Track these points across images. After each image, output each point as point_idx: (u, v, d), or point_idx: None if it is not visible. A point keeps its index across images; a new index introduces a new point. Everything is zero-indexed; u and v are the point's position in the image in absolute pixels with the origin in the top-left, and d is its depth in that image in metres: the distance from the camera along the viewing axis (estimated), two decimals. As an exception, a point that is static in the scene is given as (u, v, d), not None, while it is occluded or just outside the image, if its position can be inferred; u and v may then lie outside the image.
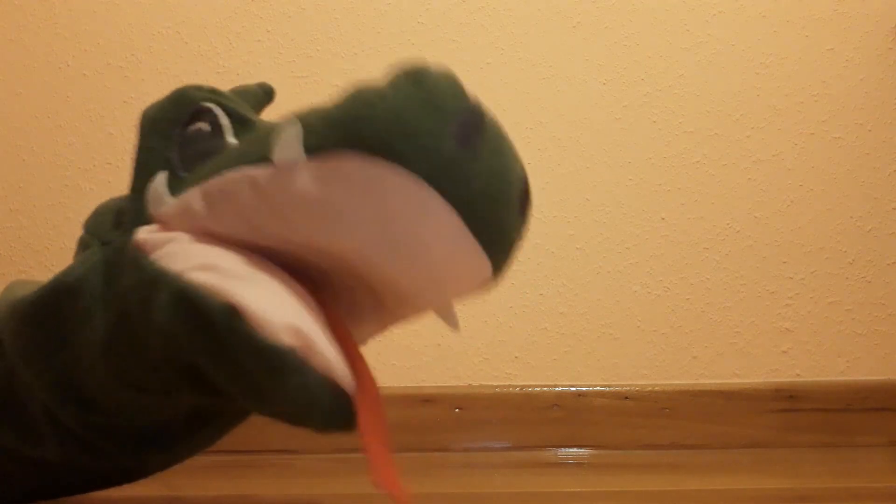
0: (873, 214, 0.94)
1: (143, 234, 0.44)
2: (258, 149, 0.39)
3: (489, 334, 0.94)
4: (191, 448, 0.56)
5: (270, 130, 0.40)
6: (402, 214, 0.36)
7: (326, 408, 0.36)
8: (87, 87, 0.97)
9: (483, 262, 0.38)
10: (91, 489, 0.59)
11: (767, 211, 0.94)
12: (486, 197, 0.37)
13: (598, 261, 0.94)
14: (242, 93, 0.54)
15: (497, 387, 0.92)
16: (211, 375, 0.38)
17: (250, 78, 0.95)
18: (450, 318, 0.43)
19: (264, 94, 0.56)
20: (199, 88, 0.49)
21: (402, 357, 0.93)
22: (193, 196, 0.42)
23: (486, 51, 0.96)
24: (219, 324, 0.36)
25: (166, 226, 0.44)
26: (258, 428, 0.91)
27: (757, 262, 0.94)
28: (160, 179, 0.46)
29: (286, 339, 0.35)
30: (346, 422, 0.37)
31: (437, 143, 0.35)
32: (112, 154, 0.96)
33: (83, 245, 0.51)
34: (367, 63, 0.96)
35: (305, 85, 0.96)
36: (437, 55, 0.96)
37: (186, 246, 0.41)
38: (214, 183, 0.41)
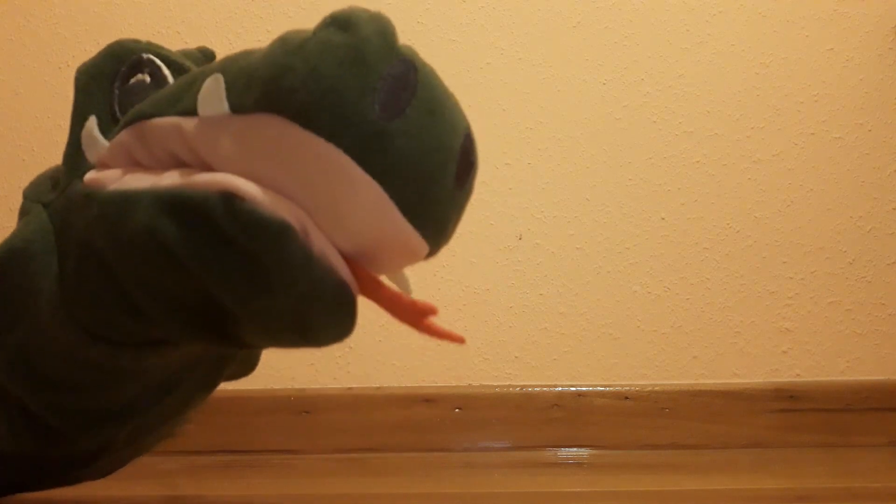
0: (873, 214, 0.94)
1: (92, 174, 0.43)
2: (188, 97, 0.38)
3: (489, 334, 0.94)
4: (157, 421, 0.53)
5: (199, 76, 0.38)
6: (322, 184, 0.34)
7: (330, 295, 0.35)
8: (87, 87, 0.97)
9: (414, 238, 0.36)
10: (48, 484, 0.56)
11: (767, 211, 0.94)
12: (415, 169, 0.34)
13: (598, 261, 0.94)
14: (184, 56, 0.53)
15: (497, 387, 0.92)
16: (205, 277, 0.36)
17: (250, 78, 0.96)
18: (400, 281, 0.41)
19: (205, 59, 0.54)
20: (135, 41, 0.47)
21: (402, 357, 0.93)
22: (127, 136, 0.41)
23: (486, 51, 0.96)
24: (216, 210, 0.34)
25: (105, 167, 0.43)
26: (258, 428, 0.91)
27: (757, 262, 0.94)
28: (90, 124, 0.44)
29: (286, 214, 0.34)
30: (348, 318, 0.36)
31: (359, 111, 0.33)
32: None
33: (23, 211, 0.49)
34: (367, 63, 0.96)
35: (305, 85, 0.96)
36: (437, 55, 0.95)
37: (144, 173, 0.40)
38: (147, 125, 0.40)
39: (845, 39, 0.95)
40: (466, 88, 0.96)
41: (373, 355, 0.93)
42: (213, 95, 0.36)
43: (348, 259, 0.36)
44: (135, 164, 0.41)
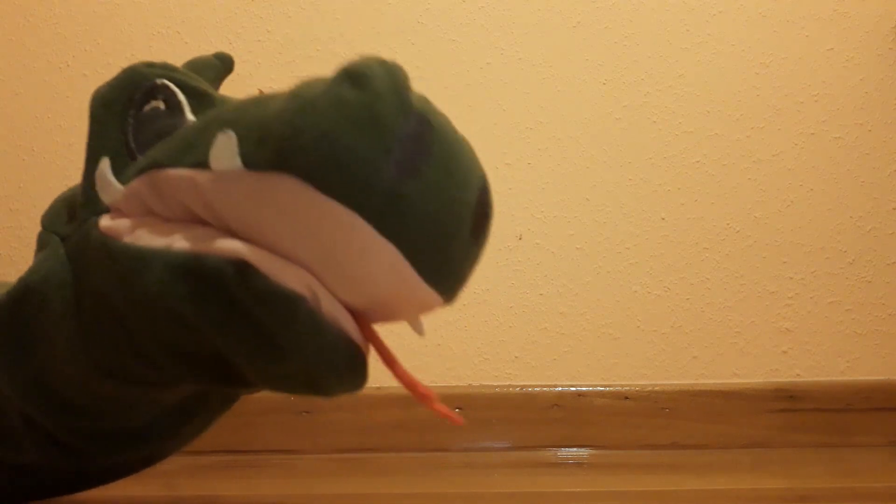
0: (873, 214, 0.94)
1: (106, 221, 0.43)
2: (201, 148, 0.38)
3: (489, 334, 0.94)
4: (174, 444, 0.54)
5: (213, 125, 0.38)
6: (338, 247, 0.33)
7: (341, 358, 0.35)
8: (87, 87, 0.97)
9: (430, 295, 0.36)
10: (77, 490, 0.58)
11: (767, 211, 0.94)
12: (431, 229, 0.34)
13: (598, 261, 0.94)
14: (200, 65, 0.52)
15: (497, 387, 0.92)
16: (217, 341, 0.37)
17: (250, 78, 0.95)
18: (415, 325, 0.41)
19: (222, 65, 0.54)
20: (150, 65, 0.47)
21: (402, 357, 0.93)
22: (141, 184, 0.41)
23: (486, 51, 0.96)
24: (228, 280, 0.34)
25: (120, 213, 0.43)
26: (258, 428, 0.91)
27: (757, 262, 0.94)
28: (104, 166, 0.44)
29: (297, 285, 0.34)
30: (360, 375, 0.36)
31: (373, 174, 0.32)
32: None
33: (41, 242, 0.49)
34: (367, 63, 0.96)
35: (305, 85, 0.96)
36: (437, 55, 0.96)
37: (160, 226, 0.40)
38: (160, 175, 0.40)
39: (845, 39, 0.95)
40: (466, 88, 0.96)
41: (373, 355, 0.93)
42: (225, 151, 0.35)
43: (359, 316, 0.37)
44: (149, 213, 0.41)
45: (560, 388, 0.91)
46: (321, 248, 0.34)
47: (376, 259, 0.34)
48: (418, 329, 0.41)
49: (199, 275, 0.36)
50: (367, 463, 0.84)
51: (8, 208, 0.97)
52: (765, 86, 0.95)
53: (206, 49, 0.97)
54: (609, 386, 0.91)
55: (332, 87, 0.33)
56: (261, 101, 0.37)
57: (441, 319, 0.94)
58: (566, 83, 0.96)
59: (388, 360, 0.38)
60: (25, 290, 0.47)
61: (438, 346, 0.93)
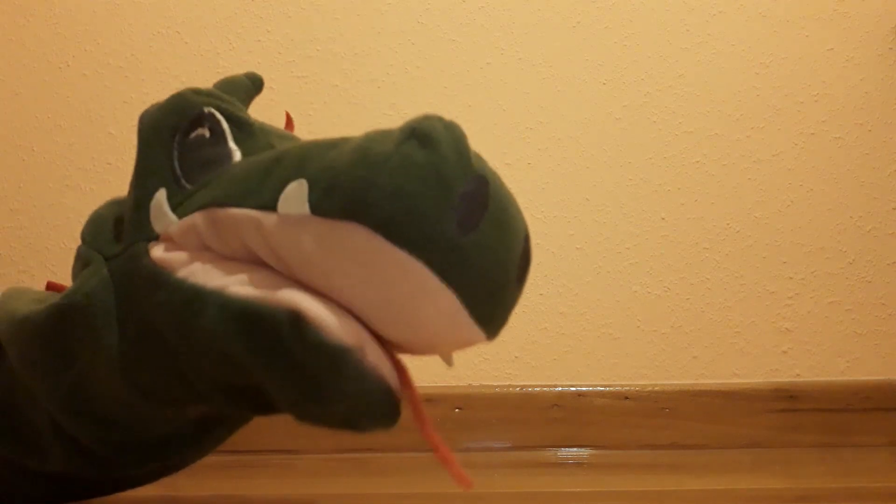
0: (873, 214, 0.94)
1: (159, 252, 0.44)
2: (265, 192, 0.39)
3: (489, 334, 0.94)
4: (197, 454, 0.56)
5: (278, 172, 0.40)
6: (401, 293, 0.36)
7: (380, 406, 0.37)
8: (87, 87, 0.97)
9: (478, 335, 0.39)
10: (93, 496, 0.59)
11: (767, 211, 0.94)
12: (486, 278, 0.37)
13: (598, 261, 0.94)
14: (231, 84, 0.53)
15: (497, 387, 0.92)
16: (265, 383, 0.39)
17: (250, 78, 0.96)
18: (447, 359, 0.45)
19: (253, 85, 0.55)
20: (197, 92, 0.48)
21: (402, 357, 0.93)
22: (199, 220, 0.42)
23: (486, 51, 0.96)
24: (283, 330, 0.36)
25: (173, 244, 0.44)
26: (258, 428, 0.91)
27: (757, 262, 0.94)
28: (160, 197, 0.45)
29: (347, 339, 0.36)
30: (394, 420, 0.39)
31: (439, 228, 0.35)
32: (112, 154, 0.96)
33: (83, 258, 0.50)
34: (368, 63, 0.96)
35: (305, 85, 0.96)
36: (437, 55, 0.96)
37: (214, 264, 0.41)
38: (221, 214, 0.41)
39: (845, 39, 0.95)
40: (466, 88, 0.96)
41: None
42: (296, 198, 0.37)
43: (398, 365, 0.40)
44: (204, 248, 0.42)
45: (560, 388, 0.91)
46: (384, 293, 0.36)
47: (436, 304, 0.37)
48: (449, 362, 0.45)
49: (254, 322, 0.37)
50: (367, 463, 0.84)
51: (8, 208, 0.97)
52: (765, 86, 0.95)
53: (206, 49, 0.97)
54: (609, 386, 0.91)
55: (400, 147, 0.36)
56: (324, 147, 0.39)
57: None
58: (566, 83, 0.96)
59: (419, 414, 0.40)
60: (70, 306, 0.48)
61: (438, 346, 0.93)
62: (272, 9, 0.97)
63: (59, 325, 0.48)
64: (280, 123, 0.54)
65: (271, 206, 0.39)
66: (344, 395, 0.37)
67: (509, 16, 0.96)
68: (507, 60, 0.96)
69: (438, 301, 0.36)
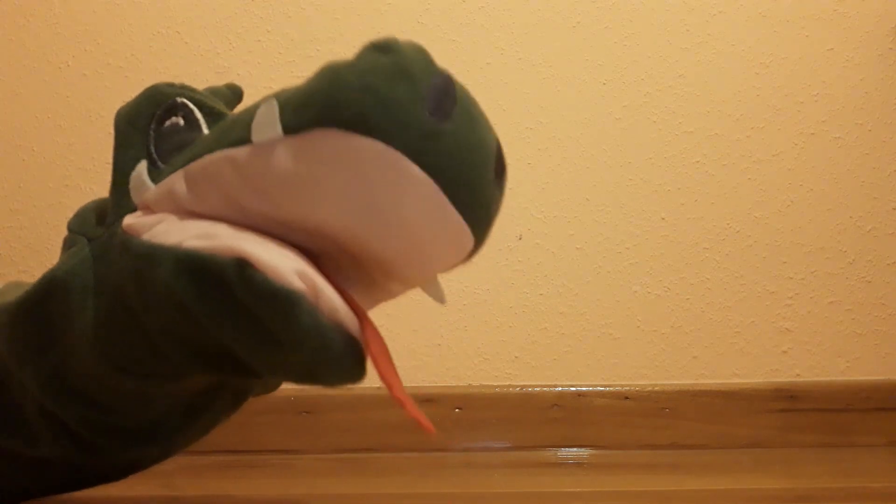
0: (873, 214, 0.94)
1: (130, 219, 0.45)
2: (237, 130, 0.40)
3: (489, 334, 0.94)
4: (185, 440, 0.56)
5: (246, 112, 0.41)
6: (382, 187, 0.36)
7: (339, 352, 0.37)
8: (87, 87, 0.97)
9: (464, 231, 0.39)
10: (86, 486, 0.59)
11: (767, 211, 0.94)
12: (463, 164, 0.37)
13: (598, 261, 0.94)
14: (213, 93, 0.54)
15: (497, 387, 0.92)
16: (221, 335, 0.39)
17: (250, 78, 0.96)
18: (435, 292, 0.44)
19: (233, 95, 0.57)
20: (170, 85, 0.49)
21: (402, 357, 0.93)
22: (175, 179, 0.43)
23: (486, 51, 0.96)
24: (230, 277, 0.37)
25: (150, 211, 0.45)
26: (258, 428, 0.91)
27: (757, 262, 0.94)
28: (141, 167, 0.47)
29: (296, 282, 0.36)
30: (358, 367, 0.38)
31: (410, 114, 0.36)
32: (112, 154, 0.96)
33: (68, 244, 0.51)
34: (367, 63, 0.96)
35: (305, 85, 0.96)
36: (437, 55, 0.95)
37: (177, 223, 0.42)
38: (196, 165, 0.42)
39: (845, 39, 0.95)
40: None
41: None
42: (267, 120, 0.38)
43: (358, 310, 0.38)
44: (177, 209, 0.43)
45: (560, 388, 0.91)
46: (365, 194, 0.36)
47: (415, 192, 0.36)
48: (438, 295, 0.43)
49: (202, 271, 0.38)
50: (367, 463, 0.84)
51: (8, 208, 0.97)
52: (765, 86, 0.95)
53: (206, 49, 0.97)
54: (609, 386, 0.91)
55: (363, 54, 0.37)
56: (288, 87, 0.40)
57: (441, 319, 0.94)
58: (566, 83, 0.96)
59: (381, 360, 0.39)
60: (49, 285, 0.49)
61: (438, 346, 0.94)
62: (272, 9, 0.97)
63: (39, 302, 0.49)
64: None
65: (244, 140, 0.39)
66: (299, 341, 0.36)
67: (509, 16, 0.96)
68: (507, 60, 0.96)
69: (418, 188, 0.36)
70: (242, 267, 0.36)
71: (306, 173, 0.37)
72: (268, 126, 0.38)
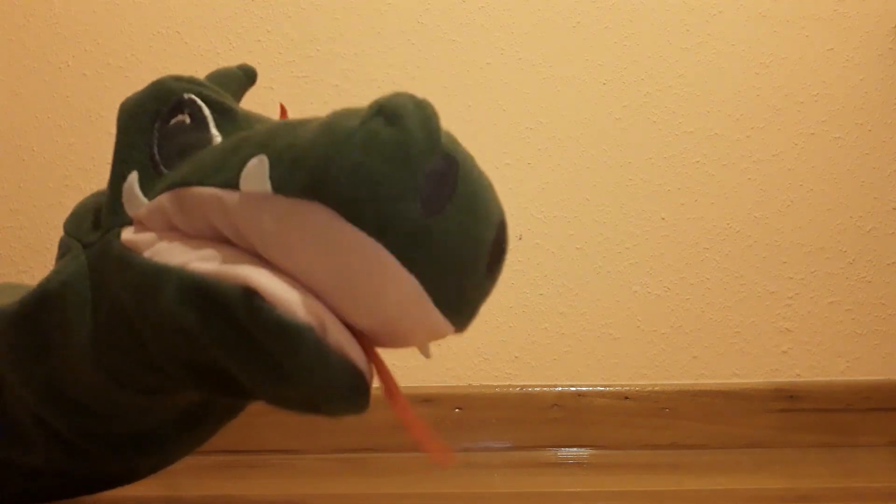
0: (873, 214, 0.94)
1: (128, 234, 0.44)
2: (231, 168, 0.39)
3: (489, 334, 0.94)
4: (181, 450, 0.55)
5: (244, 147, 0.39)
6: (361, 275, 0.35)
7: (345, 386, 0.36)
8: (87, 87, 0.97)
9: (443, 325, 0.37)
10: (81, 494, 0.59)
11: (767, 211, 0.94)
12: (451, 264, 0.35)
13: (598, 261, 0.94)
14: (223, 76, 0.53)
15: (497, 387, 0.92)
16: (224, 362, 0.38)
17: (250, 78, 0.96)
18: (423, 350, 0.43)
19: (245, 77, 0.55)
20: (178, 79, 0.48)
21: (403, 357, 0.93)
22: (167, 199, 0.42)
23: (486, 51, 0.96)
24: (237, 307, 0.35)
25: (143, 226, 0.44)
26: (258, 428, 0.91)
27: (757, 262, 0.94)
28: (132, 180, 0.45)
29: (304, 316, 0.35)
30: (362, 402, 0.37)
31: (402, 209, 0.34)
32: (112, 154, 0.96)
33: (64, 247, 0.50)
34: (368, 63, 0.96)
35: (305, 85, 0.96)
36: (437, 55, 0.96)
37: (179, 242, 0.41)
38: (187, 192, 0.41)
39: (845, 39, 0.95)
40: (466, 88, 0.96)
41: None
42: (256, 175, 0.37)
43: (365, 341, 0.38)
44: (172, 229, 0.42)
45: (560, 388, 0.91)
46: (343, 275, 0.35)
47: (397, 289, 0.35)
48: (425, 353, 0.43)
49: (209, 298, 0.37)
50: (367, 463, 0.84)
51: (8, 208, 0.97)
52: (765, 86, 0.95)
53: (206, 49, 0.97)
54: (609, 386, 0.91)
55: (365, 122, 0.35)
56: (291, 126, 0.38)
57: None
58: (566, 83, 0.96)
59: (390, 388, 0.39)
60: (45, 294, 0.48)
61: (438, 346, 0.93)
62: (272, 9, 0.97)
63: (35, 311, 0.48)
64: (280, 123, 0.54)
65: (234, 184, 0.38)
66: (305, 374, 0.35)
67: (509, 16, 0.96)
68: (507, 60, 0.96)
69: (399, 286, 0.35)
70: (249, 297, 0.35)
71: (287, 239, 0.36)
72: (257, 181, 0.36)
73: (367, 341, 0.38)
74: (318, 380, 0.35)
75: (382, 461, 0.85)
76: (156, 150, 0.46)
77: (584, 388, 0.91)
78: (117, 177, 0.46)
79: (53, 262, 0.50)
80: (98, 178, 0.96)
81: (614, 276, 0.94)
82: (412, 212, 0.34)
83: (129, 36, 0.97)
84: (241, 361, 0.37)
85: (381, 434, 0.90)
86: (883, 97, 0.95)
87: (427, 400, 0.91)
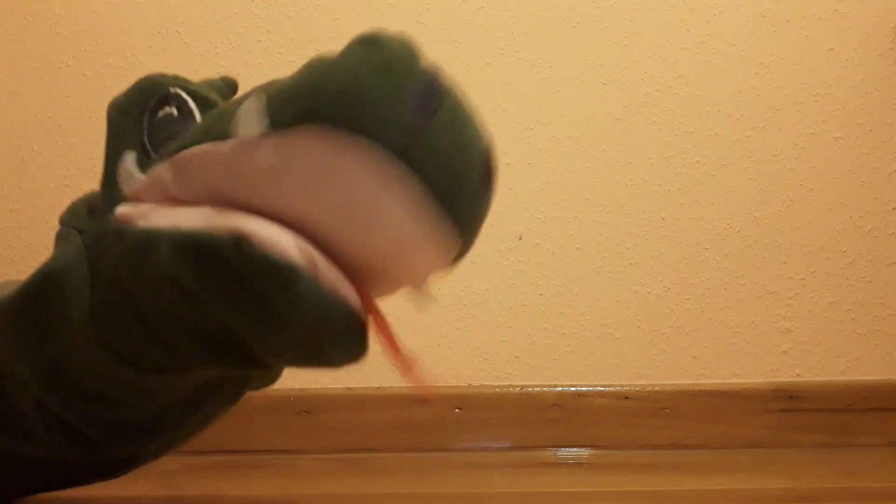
0: (873, 214, 0.94)
1: (123, 208, 0.45)
2: (223, 123, 0.40)
3: (489, 334, 0.94)
4: (186, 434, 0.55)
5: (233, 105, 0.40)
6: (365, 186, 0.36)
7: (340, 325, 0.37)
8: (87, 87, 0.97)
9: (450, 233, 0.38)
10: (82, 483, 0.58)
11: (767, 211, 0.94)
12: (448, 165, 0.36)
13: (598, 261, 0.94)
14: (208, 85, 0.54)
15: (497, 387, 0.92)
16: (222, 315, 0.38)
17: (250, 78, 0.95)
18: (423, 293, 0.43)
19: (228, 88, 0.56)
20: (163, 76, 0.49)
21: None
22: (163, 169, 0.43)
23: (486, 51, 0.96)
24: (229, 254, 0.36)
25: (140, 201, 0.45)
26: (257, 428, 0.91)
27: (757, 262, 0.94)
28: (129, 159, 0.46)
29: (295, 255, 0.36)
30: (360, 342, 0.38)
31: (395, 112, 0.35)
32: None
33: (60, 238, 0.51)
34: (367, 63, 0.96)
35: (305, 85, 0.96)
36: (437, 55, 0.95)
37: (170, 209, 0.42)
38: (182, 155, 0.42)
39: (845, 39, 0.95)
40: (466, 88, 0.95)
41: (373, 355, 0.93)
42: (253, 114, 0.38)
43: (359, 287, 0.38)
44: (167, 199, 0.43)
45: (560, 388, 0.91)
46: (347, 194, 0.36)
47: (401, 193, 0.36)
48: (426, 296, 0.43)
49: (200, 250, 0.38)
50: (367, 463, 0.84)
51: (8, 208, 0.97)
52: (765, 86, 0.95)
53: (206, 49, 0.97)
54: (609, 386, 0.91)
55: (349, 48, 0.36)
56: (277, 79, 0.39)
57: (441, 319, 0.94)
58: (566, 83, 0.96)
59: (384, 330, 0.39)
60: (43, 278, 0.48)
61: (438, 346, 0.93)
62: (272, 9, 0.97)
63: (35, 295, 0.48)
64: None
65: (229, 135, 0.39)
66: (300, 316, 0.36)
67: (509, 16, 0.96)
68: (507, 60, 0.96)
69: (402, 189, 0.36)
70: (240, 242, 0.36)
71: (288, 170, 0.36)
72: (252, 122, 0.37)
73: (360, 285, 0.38)
74: (313, 317, 0.36)
75: (382, 461, 0.85)
76: (146, 139, 0.47)
77: (584, 388, 0.91)
78: (111, 163, 0.48)
79: (53, 261, 0.50)
80: (98, 179, 0.96)
81: (614, 276, 0.94)
82: (407, 115, 0.35)
83: (129, 36, 0.97)
84: (237, 310, 0.38)
85: (380, 434, 0.90)
86: (883, 97, 0.95)
87: (427, 400, 0.91)
